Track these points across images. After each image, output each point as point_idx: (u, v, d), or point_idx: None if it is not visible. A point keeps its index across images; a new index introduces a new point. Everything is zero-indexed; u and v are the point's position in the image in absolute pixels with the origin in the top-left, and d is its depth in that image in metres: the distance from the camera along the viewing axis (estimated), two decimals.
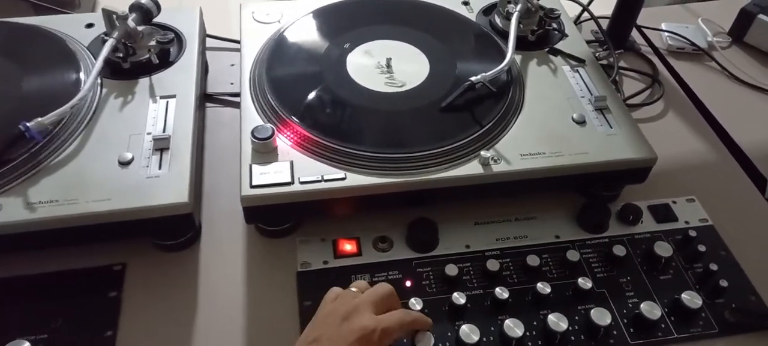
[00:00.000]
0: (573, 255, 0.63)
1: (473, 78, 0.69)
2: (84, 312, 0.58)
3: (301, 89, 0.70)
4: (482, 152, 0.63)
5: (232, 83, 0.85)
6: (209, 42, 0.89)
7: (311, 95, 0.69)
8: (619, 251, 0.64)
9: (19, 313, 0.57)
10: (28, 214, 0.56)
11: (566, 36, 0.80)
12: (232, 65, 0.88)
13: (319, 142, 0.64)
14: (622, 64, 0.91)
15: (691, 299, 0.60)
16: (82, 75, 0.69)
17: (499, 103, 0.69)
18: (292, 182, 0.61)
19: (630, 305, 0.61)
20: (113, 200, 0.57)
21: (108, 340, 0.56)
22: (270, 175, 0.61)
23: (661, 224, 0.69)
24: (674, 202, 0.71)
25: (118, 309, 0.59)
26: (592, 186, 0.69)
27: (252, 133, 0.63)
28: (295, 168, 0.62)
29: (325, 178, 0.61)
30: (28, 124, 0.59)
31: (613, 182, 0.69)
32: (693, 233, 0.66)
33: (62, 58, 0.71)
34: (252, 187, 0.60)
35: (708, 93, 0.88)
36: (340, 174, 0.61)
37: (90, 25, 0.78)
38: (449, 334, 0.58)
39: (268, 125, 0.64)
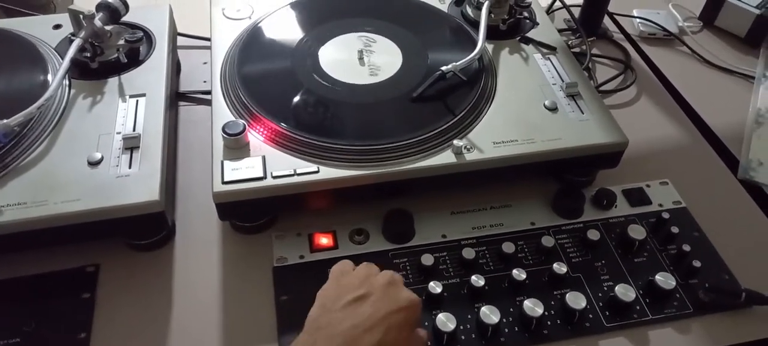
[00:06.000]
0: (548, 241, 0.64)
1: (444, 68, 0.69)
2: (57, 315, 0.57)
3: (273, 84, 0.70)
4: (455, 141, 0.63)
5: (204, 81, 0.84)
6: (182, 40, 0.88)
7: (282, 90, 0.69)
8: (594, 235, 0.64)
9: None
10: None
11: (537, 24, 0.81)
12: (205, 63, 0.87)
13: (292, 136, 0.63)
14: (594, 51, 0.92)
15: (665, 280, 0.60)
16: (49, 76, 0.68)
17: (470, 93, 0.69)
18: (265, 177, 0.60)
19: (605, 289, 0.62)
20: (83, 201, 0.57)
21: (82, 342, 0.56)
22: (242, 170, 0.61)
23: (635, 207, 0.70)
24: (648, 185, 0.72)
25: (92, 310, 0.58)
26: (566, 172, 0.70)
27: (223, 129, 0.62)
28: (268, 163, 0.61)
29: (298, 172, 0.61)
30: None
31: (586, 167, 0.69)
32: (666, 216, 0.67)
33: (28, 60, 0.70)
34: (224, 183, 0.59)
35: (680, 77, 0.89)
36: (313, 167, 0.61)
37: (58, 26, 0.77)
38: (426, 323, 0.58)
39: (240, 121, 0.63)
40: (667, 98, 0.86)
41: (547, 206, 0.69)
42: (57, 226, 0.56)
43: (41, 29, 0.76)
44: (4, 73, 0.68)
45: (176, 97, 0.81)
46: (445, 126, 0.65)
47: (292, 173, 0.61)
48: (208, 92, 0.80)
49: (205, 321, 0.59)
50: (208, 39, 0.86)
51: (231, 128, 0.62)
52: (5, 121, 0.59)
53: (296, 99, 0.68)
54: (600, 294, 0.61)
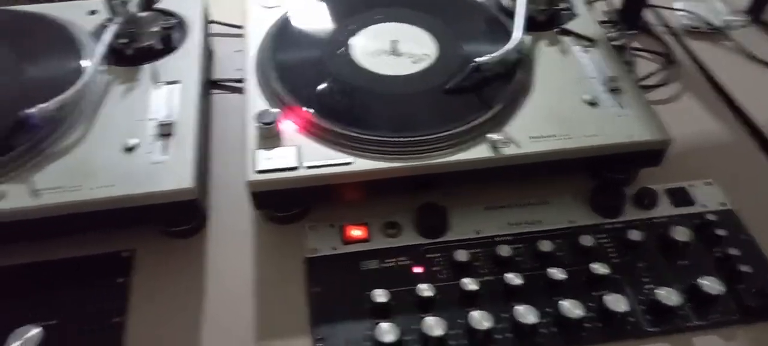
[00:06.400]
0: (587, 240, 0.62)
1: (478, 59, 0.67)
2: (92, 298, 0.57)
3: (306, 73, 0.69)
4: (490, 135, 0.62)
5: (238, 70, 0.83)
6: (215, 28, 0.88)
7: (316, 79, 0.68)
8: (635, 235, 0.62)
9: (28, 300, 0.57)
10: (32, 200, 0.55)
11: (577, 16, 0.78)
12: (238, 51, 0.86)
13: (326, 127, 0.62)
14: (635, 44, 0.89)
15: (710, 284, 0.58)
16: (85, 61, 0.68)
17: (507, 85, 0.67)
18: (298, 167, 0.59)
19: (646, 291, 0.59)
20: (117, 186, 0.56)
21: (116, 326, 0.56)
22: (275, 160, 0.60)
23: (678, 207, 0.67)
24: (691, 185, 0.69)
25: (127, 295, 0.58)
26: (605, 169, 0.67)
27: (257, 117, 0.62)
28: (301, 153, 0.61)
29: (331, 163, 0.60)
30: (30, 111, 0.59)
31: (626, 164, 0.67)
32: (711, 217, 0.64)
33: (65, 46, 0.70)
34: (257, 172, 0.59)
35: (725, 73, 0.85)
36: (347, 159, 0.60)
37: (93, 12, 0.76)
38: (460, 321, 0.56)
39: (273, 110, 0.63)
40: (711, 95, 0.83)
41: (586, 204, 0.67)
42: (91, 211, 0.56)
43: (77, 14, 0.76)
44: (41, 58, 0.68)
45: (209, 85, 0.80)
46: (481, 119, 0.63)
47: (326, 163, 0.60)
48: (241, 81, 0.80)
49: (237, 310, 0.58)
50: (242, 27, 0.86)
51: (265, 117, 0.62)
52: (43, 105, 0.59)
53: (330, 89, 0.67)
54: (641, 297, 0.59)
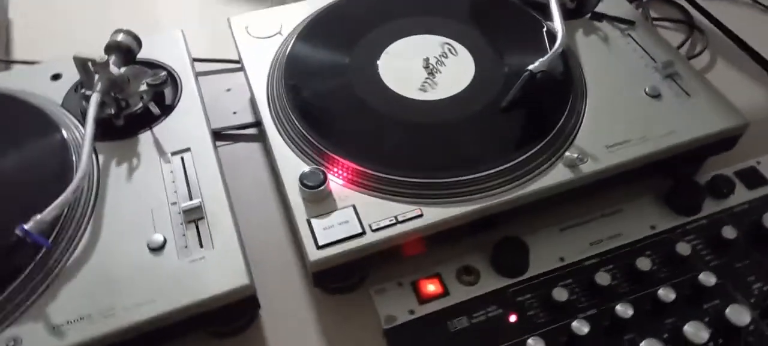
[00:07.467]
0: (684, 249, 0.56)
1: (531, 67, 0.59)
2: None
3: (339, 113, 0.60)
4: (567, 153, 0.55)
5: (235, 113, 0.73)
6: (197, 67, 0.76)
7: (354, 119, 0.59)
8: (729, 232, 0.57)
9: None
10: (56, 343, 0.44)
11: None
12: (229, 90, 0.75)
13: (379, 176, 0.53)
14: (652, 14, 0.84)
15: None
16: (64, 135, 0.56)
17: (566, 92, 0.60)
18: (364, 232, 0.50)
19: (756, 293, 0.55)
20: (159, 302, 0.46)
21: None
22: (335, 228, 0.51)
23: (752, 190, 0.63)
24: (759, 162, 0.65)
25: None
26: (677, 165, 0.62)
27: (301, 181, 0.52)
28: (360, 212, 0.52)
29: (400, 219, 0.51)
30: (25, 226, 0.46)
31: (700, 156, 0.62)
32: None
33: (37, 128, 0.57)
34: (319, 248, 0.49)
35: (753, 35, 0.81)
36: (415, 211, 0.52)
37: (57, 77, 0.64)
38: None
39: (318, 169, 0.53)
40: (744, 59, 0.78)
41: (661, 203, 0.62)
42: (132, 338, 0.45)
43: (37, 83, 0.63)
44: (12, 147, 0.55)
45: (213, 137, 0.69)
46: (550, 137, 0.56)
47: (394, 221, 0.51)
48: (248, 126, 0.70)
49: None
50: (227, 61, 0.75)
51: (311, 179, 0.52)
52: (38, 217, 0.47)
53: (373, 128, 0.58)
54: (752, 300, 0.54)
